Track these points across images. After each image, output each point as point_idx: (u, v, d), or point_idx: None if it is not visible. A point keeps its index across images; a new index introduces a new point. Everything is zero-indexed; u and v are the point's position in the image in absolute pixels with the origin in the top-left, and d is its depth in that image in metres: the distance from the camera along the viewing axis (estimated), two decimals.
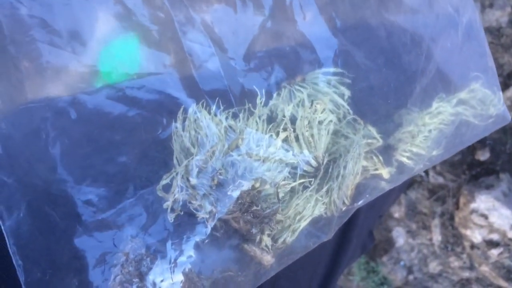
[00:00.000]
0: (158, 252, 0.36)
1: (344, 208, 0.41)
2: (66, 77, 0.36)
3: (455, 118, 0.44)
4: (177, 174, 0.36)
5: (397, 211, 1.02)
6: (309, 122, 0.39)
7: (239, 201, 0.35)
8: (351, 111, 0.41)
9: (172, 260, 0.36)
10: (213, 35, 0.40)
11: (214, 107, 0.38)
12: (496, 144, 0.95)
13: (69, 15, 0.36)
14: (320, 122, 0.40)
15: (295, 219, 0.39)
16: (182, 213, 0.36)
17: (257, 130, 0.37)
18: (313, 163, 0.39)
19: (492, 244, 0.92)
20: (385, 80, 0.43)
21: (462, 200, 0.95)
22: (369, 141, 0.43)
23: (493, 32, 0.93)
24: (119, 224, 0.36)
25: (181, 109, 0.37)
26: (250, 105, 0.39)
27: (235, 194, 0.35)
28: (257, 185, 0.36)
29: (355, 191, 0.42)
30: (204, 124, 0.37)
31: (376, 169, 0.43)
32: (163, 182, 0.36)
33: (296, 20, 0.42)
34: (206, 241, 0.36)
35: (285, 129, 0.38)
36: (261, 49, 0.42)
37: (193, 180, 0.35)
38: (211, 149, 0.36)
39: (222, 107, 0.38)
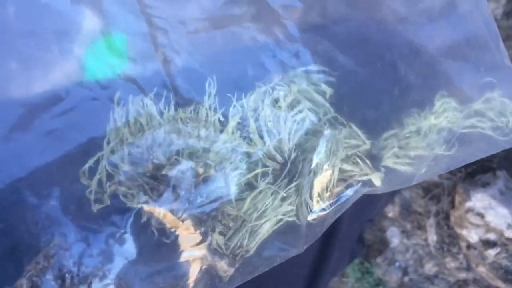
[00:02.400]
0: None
1: (315, 215, 0.37)
2: (47, 77, 0.35)
3: (468, 130, 0.40)
4: (102, 156, 0.33)
5: (391, 211, 0.99)
6: (275, 114, 0.37)
7: (179, 192, 0.33)
8: (331, 110, 0.38)
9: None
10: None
11: (162, 99, 0.36)
12: None
13: (54, 15, 0.35)
14: (287, 111, 0.37)
15: (252, 216, 0.35)
16: (109, 202, 0.33)
17: (206, 120, 0.35)
18: (278, 158, 0.36)
19: (489, 244, 0.89)
20: (387, 83, 0.40)
21: (457, 199, 0.92)
22: (354, 142, 0.39)
23: None
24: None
25: (116, 96, 0.35)
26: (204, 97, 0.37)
27: (170, 173, 0.32)
28: (200, 171, 0.33)
29: (334, 198, 0.38)
30: (143, 112, 0.34)
31: (365, 174, 0.40)
32: (87, 165, 0.33)
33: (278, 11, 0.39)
34: (138, 257, 0.33)
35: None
36: (243, 44, 0.39)
37: (124, 166, 0.33)
38: (147, 132, 0.33)
39: (174, 100, 0.36)
